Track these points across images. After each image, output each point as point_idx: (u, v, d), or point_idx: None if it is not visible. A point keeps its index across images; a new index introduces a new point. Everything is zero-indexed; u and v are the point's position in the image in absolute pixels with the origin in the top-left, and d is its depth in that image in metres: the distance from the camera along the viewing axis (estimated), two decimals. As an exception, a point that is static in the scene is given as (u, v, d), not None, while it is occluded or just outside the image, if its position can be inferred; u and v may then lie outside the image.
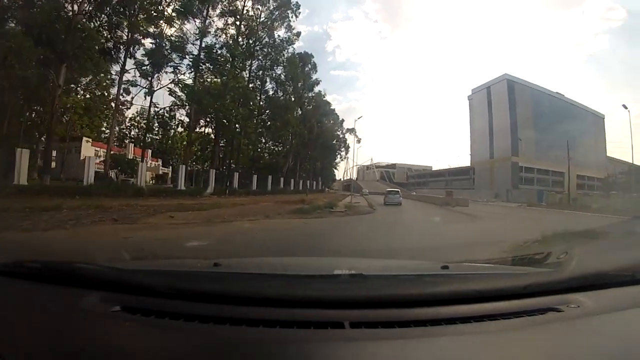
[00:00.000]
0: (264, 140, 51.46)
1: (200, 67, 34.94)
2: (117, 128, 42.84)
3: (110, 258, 2.82)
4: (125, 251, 3.34)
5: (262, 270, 2.23)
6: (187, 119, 36.77)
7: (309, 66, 53.44)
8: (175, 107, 36.53)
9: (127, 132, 50.94)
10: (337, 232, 11.88)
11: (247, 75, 40.79)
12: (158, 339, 1.14)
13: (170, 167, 49.82)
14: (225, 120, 34.70)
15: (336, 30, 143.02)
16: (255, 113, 42.06)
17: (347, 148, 73.26)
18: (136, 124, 48.67)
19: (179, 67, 33.88)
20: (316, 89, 56.35)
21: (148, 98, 34.09)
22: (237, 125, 36.97)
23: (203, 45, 34.19)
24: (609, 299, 1.50)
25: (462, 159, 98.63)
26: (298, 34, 45.86)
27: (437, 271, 2.01)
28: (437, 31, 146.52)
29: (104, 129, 44.67)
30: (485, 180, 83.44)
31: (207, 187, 32.64)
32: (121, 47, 30.06)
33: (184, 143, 43.08)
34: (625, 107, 38.06)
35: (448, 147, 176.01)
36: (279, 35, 42.71)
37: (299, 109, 51.90)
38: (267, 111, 45.33)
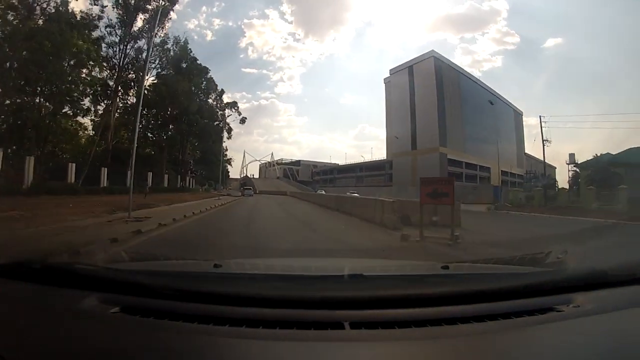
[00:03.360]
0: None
1: None
2: None
3: (109, 259, 2.82)
4: (124, 252, 3.07)
5: (262, 271, 2.19)
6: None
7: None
8: None
9: None
10: None
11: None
12: (157, 339, 1.13)
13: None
14: None
15: (251, 27, 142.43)
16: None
17: (229, 131, 54.75)
18: None
19: None
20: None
21: None
22: None
23: None
24: (609, 298, 1.48)
25: (376, 153, 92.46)
26: None
27: (437, 271, 2.04)
28: (350, 38, 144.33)
29: None
30: (406, 176, 68.69)
31: None
32: None
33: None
34: None
35: (361, 144, 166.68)
36: None
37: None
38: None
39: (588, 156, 39.58)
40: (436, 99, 66.88)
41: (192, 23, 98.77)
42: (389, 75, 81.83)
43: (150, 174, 34.75)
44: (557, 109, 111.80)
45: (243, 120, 56.25)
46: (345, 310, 1.25)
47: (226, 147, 68.05)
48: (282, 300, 1.29)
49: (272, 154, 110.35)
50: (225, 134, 54.84)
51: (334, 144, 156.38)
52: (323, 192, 47.28)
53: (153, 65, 36.67)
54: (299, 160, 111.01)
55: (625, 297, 1.49)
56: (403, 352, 1.10)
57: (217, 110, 52.88)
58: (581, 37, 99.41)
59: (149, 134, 44.01)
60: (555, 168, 62.30)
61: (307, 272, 2.06)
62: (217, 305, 1.26)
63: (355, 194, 35.58)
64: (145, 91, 35.61)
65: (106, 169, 29.31)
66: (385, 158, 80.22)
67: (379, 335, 1.15)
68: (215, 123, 51.69)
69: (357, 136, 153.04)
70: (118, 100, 34.20)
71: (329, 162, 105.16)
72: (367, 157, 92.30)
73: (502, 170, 75.79)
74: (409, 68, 73.64)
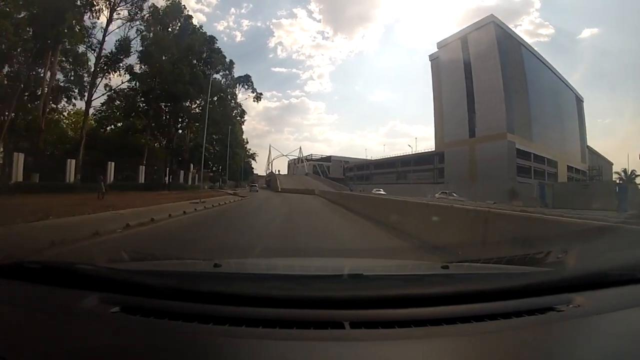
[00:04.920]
0: None
1: None
2: None
3: (110, 259, 2.81)
4: (124, 252, 2.95)
5: (262, 270, 2.19)
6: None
7: None
8: None
9: None
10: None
11: None
12: (157, 339, 1.13)
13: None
14: None
15: (280, 27, 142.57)
16: None
17: (241, 112, 46.91)
18: None
19: None
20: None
21: None
22: None
23: None
24: (609, 298, 1.46)
25: (409, 150, 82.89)
26: None
27: (437, 271, 2.02)
28: (379, 34, 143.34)
29: None
30: (462, 170, 55.91)
31: None
32: None
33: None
34: None
35: (391, 141, 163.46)
36: None
37: None
38: None
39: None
40: (500, 74, 53.75)
41: (222, 25, 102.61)
42: (435, 50, 69.23)
43: (111, 165, 24.23)
44: (598, 104, 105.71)
45: (258, 97, 46.05)
46: (345, 310, 1.23)
47: (246, 139, 58.87)
48: (282, 299, 1.28)
49: (300, 148, 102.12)
50: (239, 116, 44.55)
51: (364, 141, 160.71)
52: (381, 192, 35.24)
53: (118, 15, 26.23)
54: (330, 156, 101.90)
55: (625, 297, 1.47)
56: (403, 351, 1.10)
57: (228, 88, 42.39)
58: (620, 25, 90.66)
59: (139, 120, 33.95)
60: (612, 164, 56.23)
61: (307, 272, 2.08)
62: (217, 305, 1.25)
63: (446, 194, 23.79)
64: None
65: (22, 154, 18.98)
66: (433, 150, 67.58)
67: (379, 335, 1.14)
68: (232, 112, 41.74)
69: (388, 133, 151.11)
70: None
71: (362, 158, 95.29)
72: (403, 152, 79.41)
73: (567, 166, 62.72)
74: (462, 39, 60.69)
